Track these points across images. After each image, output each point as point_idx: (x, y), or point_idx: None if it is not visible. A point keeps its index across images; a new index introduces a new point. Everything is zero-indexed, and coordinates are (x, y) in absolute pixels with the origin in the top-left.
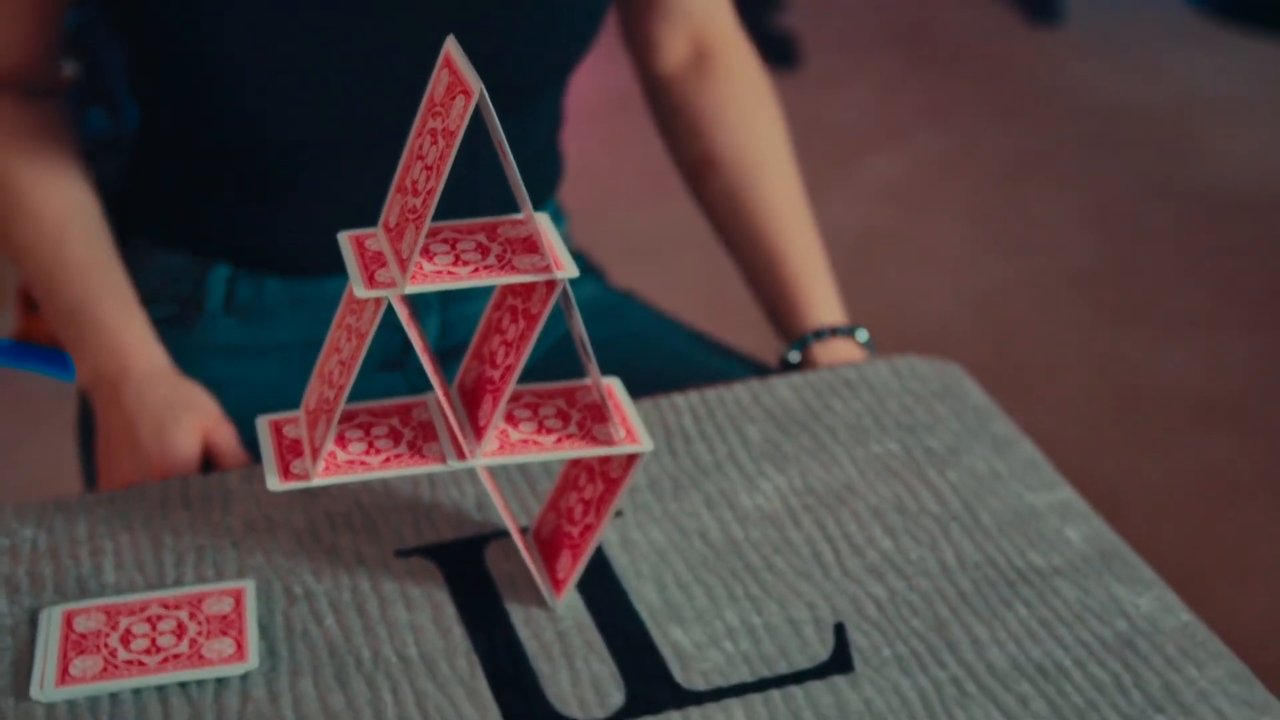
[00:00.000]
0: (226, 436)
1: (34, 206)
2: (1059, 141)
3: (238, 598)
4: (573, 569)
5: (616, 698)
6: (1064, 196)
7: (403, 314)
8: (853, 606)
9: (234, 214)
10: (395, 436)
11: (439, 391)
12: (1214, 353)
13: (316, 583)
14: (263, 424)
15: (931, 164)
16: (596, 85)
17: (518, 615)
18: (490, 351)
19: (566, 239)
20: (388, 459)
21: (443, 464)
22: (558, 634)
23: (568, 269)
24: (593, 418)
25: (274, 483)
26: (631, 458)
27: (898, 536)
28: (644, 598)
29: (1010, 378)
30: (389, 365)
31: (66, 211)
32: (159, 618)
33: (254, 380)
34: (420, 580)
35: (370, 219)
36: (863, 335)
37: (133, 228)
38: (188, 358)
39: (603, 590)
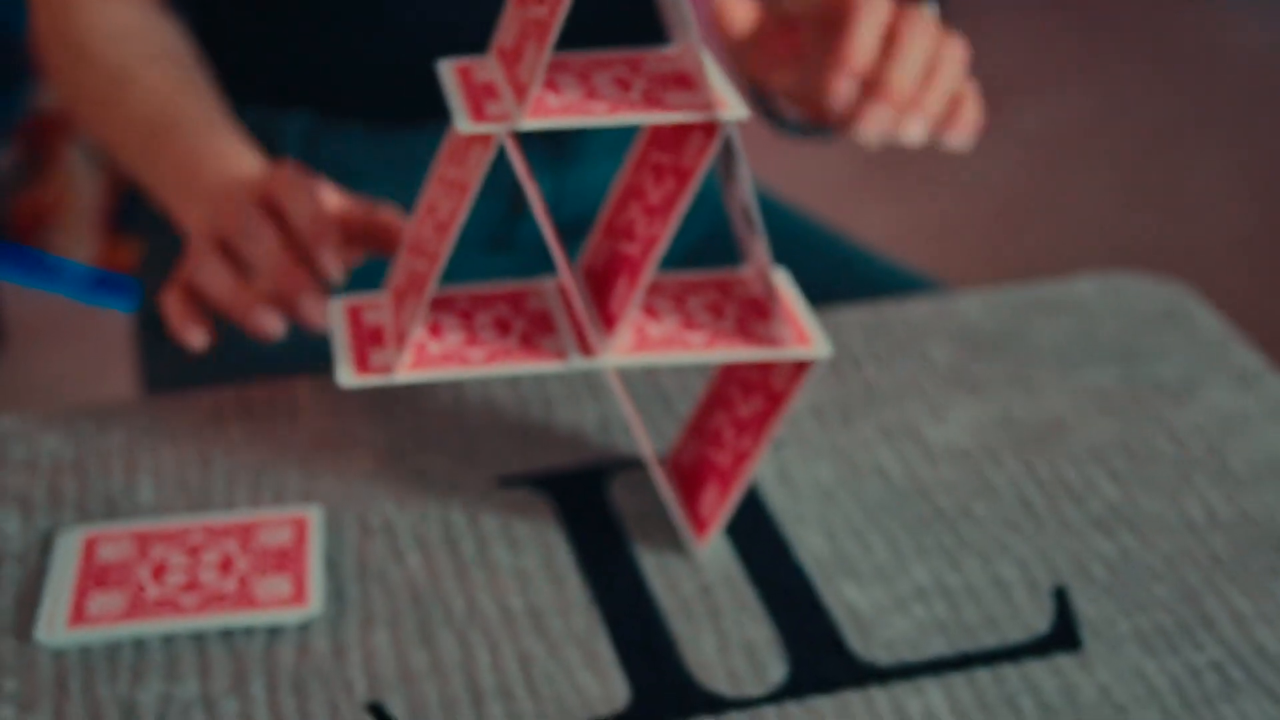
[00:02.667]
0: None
1: (146, 83)
2: (1215, 102)
3: (300, 528)
4: (720, 507)
5: (777, 671)
6: (1220, 157)
7: (518, 163)
8: (1075, 567)
9: (312, 44)
10: (503, 326)
11: (561, 266)
12: None
13: (399, 513)
14: (336, 307)
15: (1081, 120)
16: None
17: (650, 563)
18: (627, 222)
19: None
20: (492, 353)
21: (562, 361)
22: (700, 588)
23: (734, 108)
24: (753, 314)
25: (347, 377)
26: (800, 366)
27: (1126, 484)
28: (809, 547)
29: None
30: (493, 244)
31: (176, 84)
32: (201, 547)
33: None
34: (528, 515)
35: (463, 50)
36: None
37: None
38: None
39: (757, 536)
